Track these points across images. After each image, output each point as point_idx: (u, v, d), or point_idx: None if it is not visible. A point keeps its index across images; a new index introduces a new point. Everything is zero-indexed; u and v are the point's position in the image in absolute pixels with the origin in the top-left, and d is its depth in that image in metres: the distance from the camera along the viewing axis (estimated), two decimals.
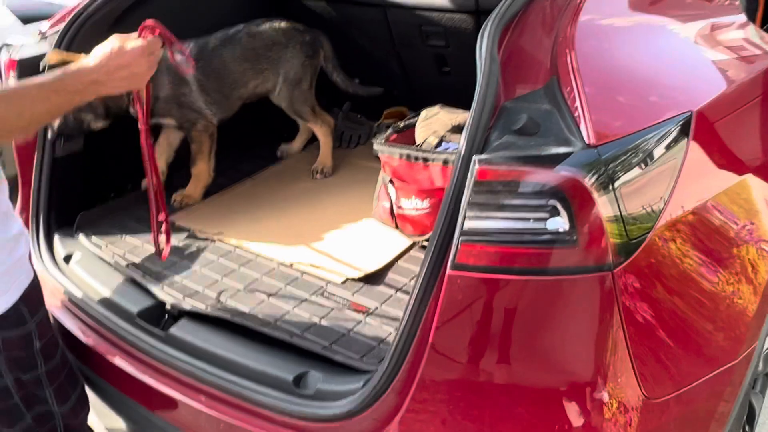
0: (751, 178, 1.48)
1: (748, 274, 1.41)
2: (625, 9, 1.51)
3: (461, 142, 1.24)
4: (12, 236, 1.35)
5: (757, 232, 1.46)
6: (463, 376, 1.23)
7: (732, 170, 1.43)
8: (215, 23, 2.34)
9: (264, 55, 2.33)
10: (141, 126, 1.73)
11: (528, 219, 1.13)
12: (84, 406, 1.57)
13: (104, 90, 1.37)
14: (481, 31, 1.33)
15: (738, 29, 1.76)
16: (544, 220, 1.13)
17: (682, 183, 1.25)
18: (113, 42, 1.38)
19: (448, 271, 1.19)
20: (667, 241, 1.24)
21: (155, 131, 2.26)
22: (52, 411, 1.46)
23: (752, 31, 1.80)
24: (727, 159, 1.42)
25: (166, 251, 1.90)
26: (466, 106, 2.19)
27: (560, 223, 1.12)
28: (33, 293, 1.38)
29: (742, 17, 1.82)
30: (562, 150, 1.14)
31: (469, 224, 1.17)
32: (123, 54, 1.35)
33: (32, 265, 1.43)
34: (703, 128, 1.32)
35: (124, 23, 2.21)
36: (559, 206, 1.12)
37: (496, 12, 1.35)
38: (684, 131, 1.27)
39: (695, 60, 1.51)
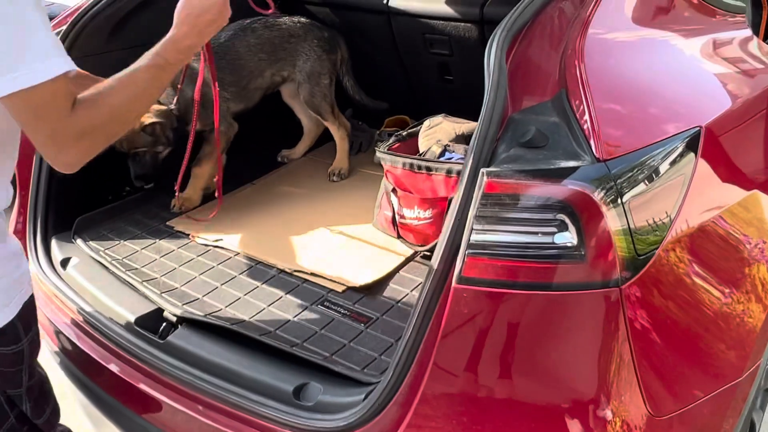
0: (761, 194, 1.46)
1: (759, 293, 1.40)
2: (630, 24, 1.50)
3: (468, 153, 1.23)
4: (15, 251, 1.33)
5: None
6: (466, 390, 1.21)
7: (741, 185, 1.42)
8: None
9: (281, 46, 2.36)
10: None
11: (536, 233, 1.12)
12: (56, 415, 1.54)
13: (197, 49, 1.40)
14: (489, 40, 1.32)
15: (743, 43, 1.75)
16: (552, 234, 1.12)
17: (690, 198, 1.24)
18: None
19: (454, 284, 1.17)
20: (676, 257, 1.22)
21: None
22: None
23: (756, 45, 1.79)
24: (736, 174, 1.41)
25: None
26: (468, 115, 2.20)
27: (568, 237, 1.11)
28: (29, 311, 1.36)
29: (747, 32, 1.82)
30: (571, 164, 1.13)
31: (476, 237, 1.15)
32: (210, 8, 1.31)
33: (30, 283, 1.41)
34: (711, 143, 1.31)
35: (126, 26, 2.20)
36: (567, 221, 1.11)
37: (505, 22, 1.34)
38: (693, 146, 1.26)
39: (702, 75, 1.50)
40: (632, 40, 1.45)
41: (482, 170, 1.15)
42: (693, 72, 1.48)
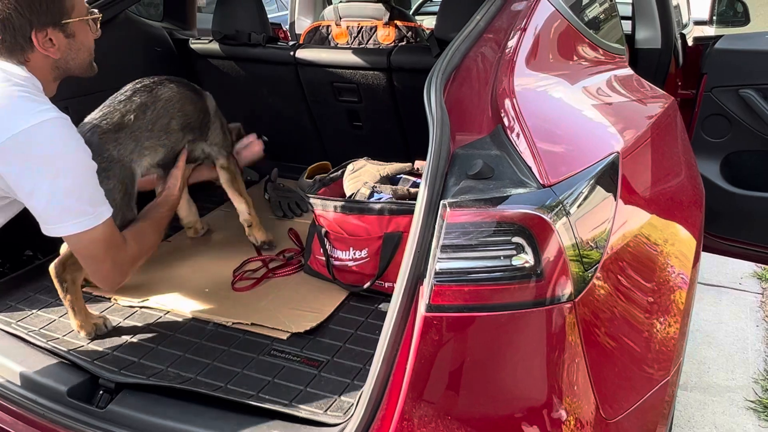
0: (681, 229, 1.66)
1: (677, 296, 1.56)
2: (544, 66, 1.65)
3: (421, 188, 1.30)
4: None
5: (680, 260, 1.64)
6: (442, 416, 1.25)
7: (642, 205, 1.59)
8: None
9: None
10: None
11: (498, 256, 1.20)
12: None
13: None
14: (426, 84, 1.42)
15: (629, 80, 1.99)
16: (512, 257, 1.20)
17: (617, 217, 1.38)
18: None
19: (424, 313, 1.22)
20: (613, 271, 1.35)
21: None
22: None
23: (638, 80, 2.04)
24: (635, 194, 1.58)
25: None
26: (378, 158, 2.28)
27: (527, 258, 1.20)
28: None
29: (629, 70, 2.06)
30: (521, 191, 1.23)
31: (441, 266, 1.21)
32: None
33: None
34: (625, 167, 1.47)
35: None
36: (524, 243, 1.20)
37: (439, 66, 1.45)
38: (614, 169, 1.41)
39: (608, 108, 1.68)
40: (549, 79, 1.60)
41: (443, 202, 1.22)
42: (601, 105, 1.66)
